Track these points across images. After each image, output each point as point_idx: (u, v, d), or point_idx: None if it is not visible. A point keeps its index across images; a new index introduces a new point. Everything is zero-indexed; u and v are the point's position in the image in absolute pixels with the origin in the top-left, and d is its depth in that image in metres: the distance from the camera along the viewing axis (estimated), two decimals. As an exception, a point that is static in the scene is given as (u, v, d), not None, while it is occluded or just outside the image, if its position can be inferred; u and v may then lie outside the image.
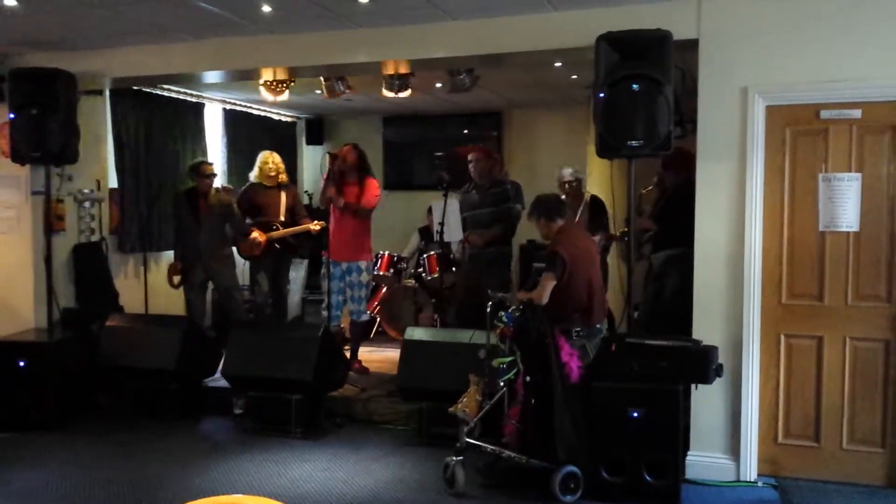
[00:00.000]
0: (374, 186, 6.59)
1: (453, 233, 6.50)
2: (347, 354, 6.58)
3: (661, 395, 4.39)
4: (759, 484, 4.71)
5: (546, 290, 4.71)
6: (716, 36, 4.72)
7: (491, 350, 4.61)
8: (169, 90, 7.85)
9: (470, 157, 6.68)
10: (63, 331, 6.10)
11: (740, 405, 4.73)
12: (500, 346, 4.62)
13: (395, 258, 8.03)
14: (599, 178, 7.39)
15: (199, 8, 5.08)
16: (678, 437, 4.40)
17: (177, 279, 6.85)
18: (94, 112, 6.60)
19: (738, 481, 4.72)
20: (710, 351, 4.45)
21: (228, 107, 8.96)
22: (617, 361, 4.53)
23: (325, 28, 5.55)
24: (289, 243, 7.08)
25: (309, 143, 10.63)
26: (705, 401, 4.76)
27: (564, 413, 4.44)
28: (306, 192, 10.40)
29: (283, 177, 7.14)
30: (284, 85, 7.06)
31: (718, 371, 4.44)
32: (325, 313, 6.46)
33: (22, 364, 5.68)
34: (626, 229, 5.89)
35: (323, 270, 6.58)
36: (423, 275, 7.78)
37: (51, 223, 6.14)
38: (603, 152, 4.67)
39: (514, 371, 4.55)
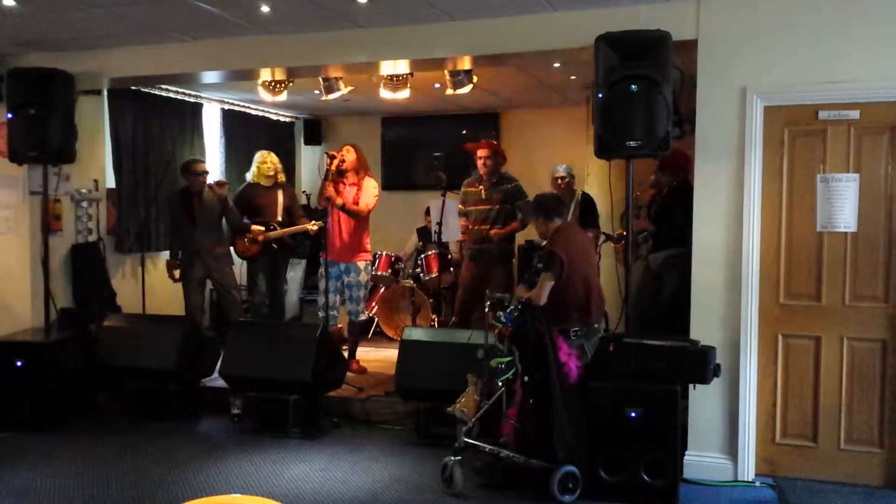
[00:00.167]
0: (372, 187, 6.59)
1: (451, 233, 6.51)
2: (345, 354, 6.58)
3: (659, 395, 4.39)
4: (757, 484, 4.71)
5: (544, 290, 4.71)
6: (714, 36, 4.72)
7: (489, 350, 4.61)
8: (167, 90, 7.84)
9: (479, 152, 6.68)
10: (60, 331, 6.09)
11: (738, 405, 4.74)
12: (498, 346, 4.62)
13: (393, 258, 8.03)
14: (598, 179, 7.40)
15: (197, 8, 5.07)
16: (676, 437, 4.40)
17: (177, 273, 6.84)
18: (91, 112, 6.60)
19: (736, 481, 4.73)
20: (708, 351, 4.45)
21: (226, 107, 8.96)
22: (615, 361, 4.53)
23: (324, 28, 5.55)
24: (286, 243, 7.08)
25: (307, 143, 10.62)
26: (703, 401, 4.77)
27: (563, 413, 4.44)
28: (304, 192, 10.37)
29: (281, 177, 7.14)
30: (283, 85, 7.05)
31: (716, 371, 4.45)
32: (322, 313, 6.46)
33: (19, 364, 5.67)
34: (622, 231, 5.93)
35: (321, 270, 6.57)
36: (421, 275, 7.78)
37: (48, 223, 6.13)
38: (601, 152, 4.68)
39: (513, 371, 4.55)
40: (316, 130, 10.55)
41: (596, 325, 4.98)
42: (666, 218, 5.97)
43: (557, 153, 8.75)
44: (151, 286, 7.28)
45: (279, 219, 7.01)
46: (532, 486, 4.48)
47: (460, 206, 6.68)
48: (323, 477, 4.81)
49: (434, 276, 7.47)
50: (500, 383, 4.57)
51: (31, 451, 5.25)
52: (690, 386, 4.64)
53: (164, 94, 7.83)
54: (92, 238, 6.76)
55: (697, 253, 4.82)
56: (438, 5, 5.00)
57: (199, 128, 8.42)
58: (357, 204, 6.48)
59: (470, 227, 6.67)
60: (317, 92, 7.37)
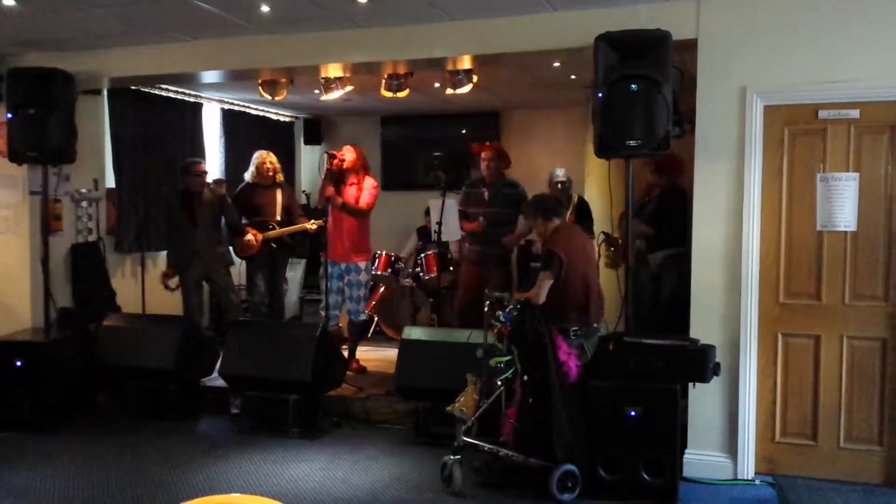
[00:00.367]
0: (372, 186, 6.60)
1: (451, 232, 6.51)
2: (345, 354, 6.58)
3: (658, 393, 4.39)
4: (757, 482, 4.72)
5: (543, 289, 4.72)
6: (714, 36, 4.73)
7: (488, 349, 4.61)
8: (167, 90, 7.84)
9: (483, 154, 6.68)
10: (60, 330, 6.09)
11: (738, 404, 4.74)
12: (497, 345, 4.62)
13: (393, 258, 8.03)
14: (597, 179, 7.40)
15: (197, 8, 5.08)
16: (676, 436, 4.41)
17: (173, 282, 6.83)
18: (91, 112, 6.60)
19: (736, 479, 4.73)
20: (708, 350, 4.45)
21: (226, 107, 8.96)
22: (615, 360, 4.53)
23: (324, 28, 5.55)
24: (285, 243, 7.08)
25: (307, 142, 10.62)
26: (703, 399, 4.77)
27: (562, 412, 4.44)
28: (304, 191, 10.38)
29: (279, 176, 7.14)
30: (282, 85, 7.05)
31: (716, 370, 4.45)
32: (322, 313, 6.46)
33: (19, 364, 5.67)
34: (616, 235, 5.96)
35: (321, 270, 6.57)
36: (421, 275, 7.78)
37: (48, 223, 6.13)
38: (601, 152, 4.68)
39: (512, 370, 4.55)
40: (316, 130, 10.56)
41: (595, 325, 4.99)
42: (664, 220, 5.98)
43: (557, 153, 8.78)
44: (151, 286, 7.29)
45: (278, 218, 7.01)
46: (531, 484, 4.48)
47: (460, 207, 6.67)
48: (323, 476, 4.81)
49: (434, 275, 7.47)
50: (499, 382, 4.57)
51: (31, 451, 5.25)
52: (690, 385, 4.64)
53: (163, 93, 7.83)
54: (92, 238, 6.76)
55: (697, 252, 4.82)
56: (438, 5, 5.00)
57: (198, 127, 8.43)
58: (357, 204, 6.47)
59: (476, 230, 6.62)
60: (316, 92, 7.37)
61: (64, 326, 6.15)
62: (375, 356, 7.26)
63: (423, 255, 7.83)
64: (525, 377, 4.56)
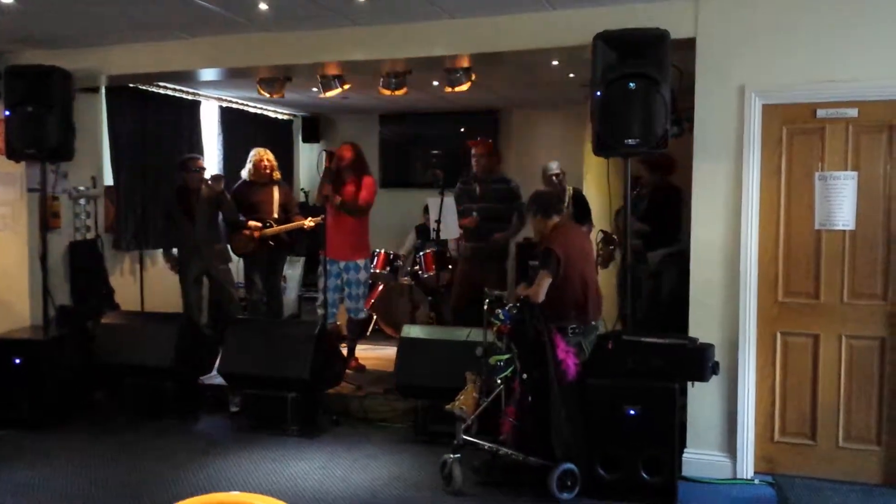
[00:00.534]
0: (371, 184, 6.59)
1: (450, 230, 6.51)
2: (344, 352, 6.58)
3: (657, 392, 4.39)
4: (756, 481, 4.72)
5: (542, 287, 4.72)
6: (713, 35, 4.73)
7: (488, 348, 4.61)
8: (165, 88, 7.82)
9: (473, 150, 6.70)
10: (59, 328, 6.08)
11: (737, 403, 4.75)
12: (496, 343, 4.62)
13: (391, 256, 8.03)
14: (595, 177, 7.40)
15: (195, 5, 5.07)
16: (675, 435, 4.41)
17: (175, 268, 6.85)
18: (90, 109, 6.58)
19: (735, 479, 4.74)
20: (707, 349, 4.46)
21: (225, 104, 8.94)
22: (613, 359, 4.54)
23: (322, 26, 5.54)
24: (282, 240, 7.07)
25: (305, 140, 10.61)
26: (702, 398, 4.78)
27: (561, 410, 4.44)
28: (302, 189, 10.39)
29: (277, 174, 7.13)
30: (281, 83, 7.04)
31: (715, 369, 4.45)
32: (321, 311, 6.46)
33: (17, 362, 5.67)
34: (609, 231, 5.98)
35: (320, 268, 6.57)
36: (420, 272, 7.77)
37: (46, 220, 6.12)
38: (599, 150, 4.68)
39: (511, 368, 4.55)
40: (314, 128, 10.54)
41: (594, 323, 4.99)
42: (658, 217, 5.99)
43: (555, 151, 8.77)
44: (149, 283, 7.28)
45: (275, 216, 7.01)
46: (530, 483, 4.49)
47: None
48: (322, 474, 4.81)
49: (432, 273, 7.47)
50: (498, 381, 4.58)
51: (30, 449, 5.24)
52: (689, 383, 4.65)
53: (162, 91, 7.81)
54: (90, 235, 6.75)
55: (696, 251, 4.83)
56: (437, 3, 5.00)
57: (197, 125, 8.41)
58: (356, 202, 6.47)
59: (470, 225, 6.65)
60: (315, 89, 7.36)
61: (62, 324, 6.15)
62: (374, 354, 7.26)
63: (421, 253, 7.82)
64: (524, 375, 4.55)
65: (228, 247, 7.02)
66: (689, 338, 4.61)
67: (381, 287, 8.06)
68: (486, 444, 4.54)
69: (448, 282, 7.42)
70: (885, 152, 4.55)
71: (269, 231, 6.93)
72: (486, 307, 4.71)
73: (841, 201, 4.61)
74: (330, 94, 6.80)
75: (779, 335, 4.77)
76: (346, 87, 6.79)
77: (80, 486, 4.63)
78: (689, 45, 4.75)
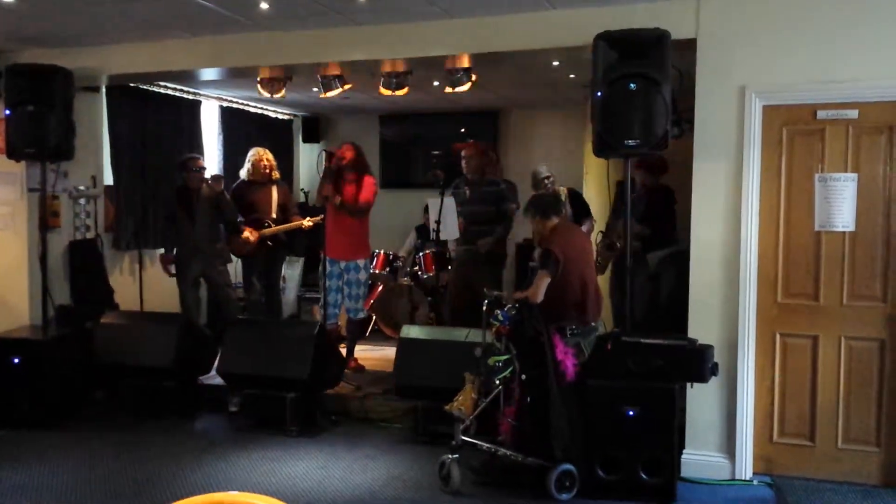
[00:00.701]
0: (371, 185, 6.59)
1: (450, 231, 6.50)
2: (344, 352, 6.58)
3: (656, 393, 4.39)
4: (755, 482, 4.72)
5: (541, 288, 4.71)
6: (714, 35, 4.73)
7: (487, 348, 4.61)
8: (165, 87, 7.82)
9: (463, 153, 6.69)
10: (58, 328, 6.08)
11: (736, 404, 4.74)
12: (496, 344, 4.62)
13: (391, 256, 8.03)
14: (595, 178, 7.40)
15: (196, 5, 5.07)
16: (674, 436, 4.41)
17: (173, 267, 6.84)
18: (90, 109, 6.59)
19: (734, 480, 4.73)
20: (706, 350, 4.45)
21: (225, 104, 8.94)
22: (613, 360, 4.53)
23: (323, 26, 5.54)
24: (281, 240, 7.07)
25: (305, 140, 10.61)
26: (701, 399, 4.77)
27: (560, 411, 4.44)
28: (303, 189, 10.39)
29: (276, 173, 7.12)
30: (281, 82, 7.04)
31: (714, 370, 4.45)
32: (320, 311, 6.45)
33: (16, 361, 5.67)
34: (603, 231, 6.00)
35: (320, 269, 6.57)
36: (419, 273, 7.77)
37: (46, 220, 6.12)
38: (600, 151, 4.67)
39: (510, 369, 4.55)
40: (314, 128, 10.54)
41: (593, 324, 4.99)
42: (656, 218, 5.99)
43: (555, 152, 8.78)
44: (149, 283, 7.28)
45: (273, 216, 7.01)
46: (529, 484, 4.48)
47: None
48: (321, 475, 4.81)
49: (432, 274, 7.47)
50: (497, 382, 4.57)
51: (29, 449, 5.24)
52: (688, 384, 4.64)
53: (162, 90, 7.81)
54: (90, 235, 6.75)
55: (696, 252, 4.82)
56: (437, 3, 5.00)
57: (197, 125, 8.41)
58: (356, 203, 6.47)
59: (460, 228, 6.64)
60: (315, 89, 7.37)
61: (62, 324, 6.15)
62: (374, 355, 7.26)
63: (421, 253, 7.83)
64: (523, 376, 4.55)
65: (227, 247, 7.02)
66: (689, 339, 4.60)
67: (380, 287, 8.06)
68: (485, 445, 4.54)
69: (448, 283, 7.41)
70: (885, 154, 4.55)
71: (267, 231, 6.93)
72: (484, 308, 4.70)
73: (841, 203, 4.61)
74: (330, 94, 6.80)
75: (778, 336, 4.77)
76: (347, 87, 6.80)
77: (79, 485, 4.62)
78: (689, 45, 4.75)
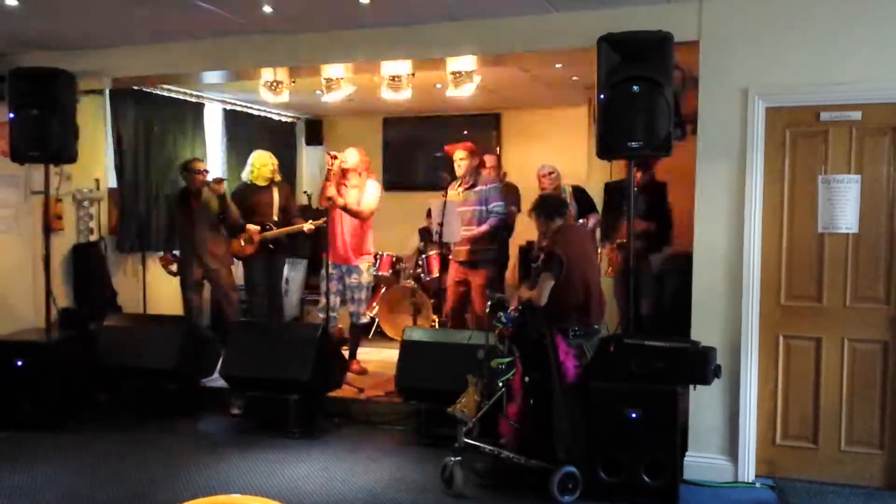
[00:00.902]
0: (374, 188, 6.59)
1: (452, 233, 6.50)
2: (346, 355, 6.58)
3: (659, 395, 4.39)
4: (757, 485, 4.71)
5: (545, 290, 4.71)
6: (716, 37, 4.72)
7: (490, 350, 4.61)
8: (169, 90, 7.83)
9: (456, 154, 6.68)
10: (61, 330, 6.08)
11: (738, 406, 4.73)
12: (498, 346, 4.61)
13: (394, 259, 8.03)
14: (599, 180, 7.39)
15: (199, 8, 5.08)
16: (676, 438, 4.40)
17: (174, 266, 6.84)
18: (93, 112, 6.61)
19: (736, 482, 4.73)
20: (709, 352, 4.45)
21: (228, 107, 8.95)
22: (615, 362, 4.53)
23: (326, 28, 5.55)
24: (282, 243, 7.07)
25: (308, 143, 10.61)
26: (704, 402, 4.77)
27: (563, 413, 4.44)
28: (305, 192, 10.37)
29: (277, 176, 7.12)
30: (284, 85, 7.05)
31: (717, 372, 4.44)
32: (321, 314, 6.45)
33: (20, 363, 5.67)
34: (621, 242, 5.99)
35: (323, 271, 6.57)
36: (422, 275, 7.77)
37: (49, 223, 6.12)
38: (603, 153, 4.67)
39: (513, 372, 4.55)
40: (317, 131, 10.54)
41: (596, 326, 4.98)
42: (656, 213, 5.97)
43: (558, 153, 8.75)
44: (152, 286, 7.28)
45: (275, 218, 7.01)
46: (532, 486, 4.48)
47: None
48: (323, 477, 4.80)
49: (435, 276, 7.46)
50: (500, 384, 4.57)
51: (31, 451, 5.25)
52: (691, 387, 4.64)
53: (165, 93, 7.82)
54: (93, 238, 6.77)
55: (699, 254, 4.82)
56: (440, 5, 5.00)
57: (200, 128, 8.42)
58: (358, 205, 6.48)
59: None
60: (318, 92, 7.37)
61: (65, 326, 6.15)
62: (376, 357, 7.25)
63: (424, 255, 7.83)
64: (526, 378, 4.55)
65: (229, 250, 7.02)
66: (692, 341, 4.60)
67: (383, 290, 8.07)
68: (488, 447, 4.54)
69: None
70: (888, 155, 4.54)
71: (268, 234, 6.94)
72: (487, 310, 4.70)
73: (844, 205, 4.60)
74: (333, 96, 6.81)
75: (781, 338, 4.76)
76: (351, 90, 6.81)
77: (82, 487, 4.63)
78: (692, 47, 4.74)
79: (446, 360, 5.27)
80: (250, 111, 9.37)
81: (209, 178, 6.84)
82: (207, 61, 6.07)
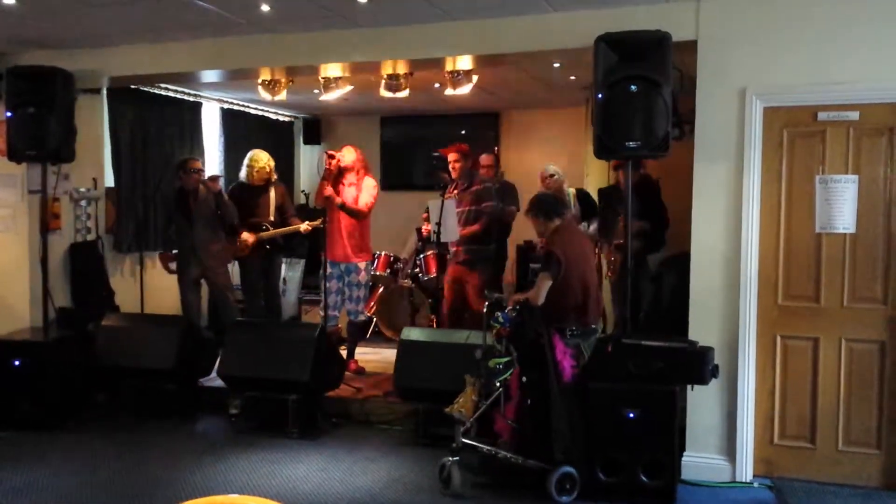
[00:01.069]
0: (371, 186, 6.59)
1: (450, 233, 6.50)
2: (344, 355, 6.58)
3: (657, 395, 4.39)
4: (755, 485, 4.71)
5: (542, 290, 4.71)
6: (714, 37, 4.72)
7: (487, 350, 4.61)
8: (166, 89, 7.83)
9: (450, 157, 6.68)
10: (59, 330, 6.08)
11: (736, 406, 4.74)
12: (496, 346, 4.62)
13: (392, 258, 8.03)
14: (596, 181, 7.40)
15: (197, 7, 5.07)
16: (674, 438, 4.40)
17: (173, 265, 6.84)
18: (91, 111, 6.59)
19: (734, 482, 4.73)
20: (707, 352, 4.45)
21: (226, 106, 8.95)
22: (613, 362, 4.53)
23: (324, 28, 5.54)
24: (278, 243, 7.07)
25: (306, 142, 10.62)
26: (701, 402, 4.77)
27: (561, 413, 4.44)
28: (303, 191, 10.40)
29: (273, 176, 7.12)
30: (282, 84, 7.05)
31: (714, 372, 4.44)
32: (321, 313, 6.45)
33: (17, 363, 5.67)
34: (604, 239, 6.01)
35: (321, 271, 6.57)
36: (420, 275, 7.77)
37: (47, 222, 6.12)
38: (600, 153, 4.68)
39: (511, 371, 4.55)
40: (315, 130, 10.55)
41: (593, 326, 4.99)
42: (651, 210, 5.97)
43: (556, 153, 8.77)
44: (150, 285, 7.28)
45: (271, 218, 7.01)
46: (530, 486, 4.48)
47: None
48: (321, 477, 4.80)
49: (433, 276, 7.46)
50: (498, 384, 4.57)
51: (29, 451, 5.24)
52: (689, 386, 4.64)
53: (163, 93, 7.82)
54: (91, 237, 6.76)
55: (696, 254, 4.82)
56: (438, 5, 5.00)
57: (198, 127, 8.42)
58: (356, 204, 6.48)
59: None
60: (316, 91, 7.37)
61: (63, 326, 6.15)
62: (374, 357, 7.26)
63: (422, 255, 7.82)
64: (524, 378, 4.55)
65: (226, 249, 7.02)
66: (689, 341, 4.60)
67: (381, 289, 8.06)
68: (486, 447, 4.54)
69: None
70: (885, 156, 4.54)
71: (265, 235, 6.93)
72: (485, 310, 4.70)
73: (842, 205, 4.60)
74: (331, 95, 6.81)
75: (779, 338, 4.76)
76: (348, 88, 6.80)
77: (80, 487, 4.62)
78: (690, 47, 4.75)
79: (444, 360, 5.27)
80: (248, 110, 9.37)
81: (204, 176, 6.84)
82: (205, 60, 6.06)
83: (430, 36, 5.44)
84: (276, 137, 9.88)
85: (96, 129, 6.76)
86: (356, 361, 6.77)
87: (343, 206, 6.44)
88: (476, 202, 6.56)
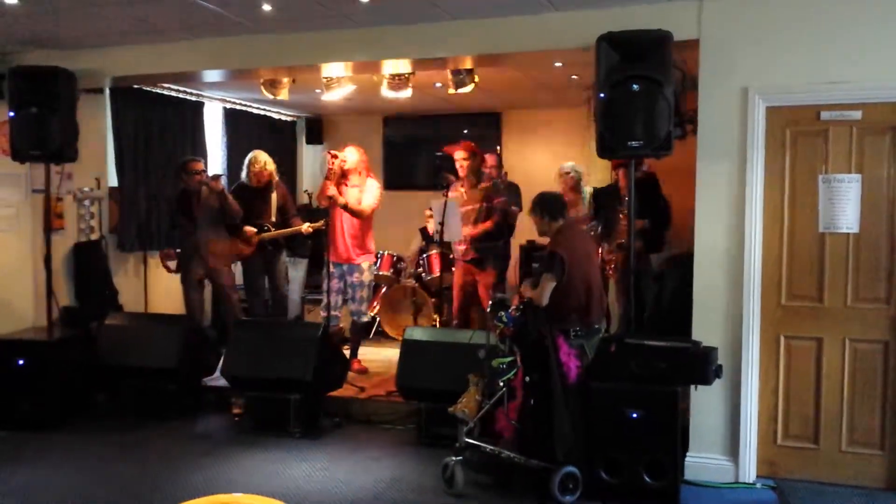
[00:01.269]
0: (374, 187, 6.59)
1: (453, 233, 6.49)
2: (347, 354, 6.58)
3: (660, 395, 4.39)
4: (758, 485, 4.71)
5: (546, 290, 4.70)
6: (716, 37, 4.71)
7: (491, 350, 4.61)
8: (169, 89, 7.83)
9: (457, 155, 6.68)
10: (62, 329, 6.09)
11: (739, 406, 4.73)
12: (499, 346, 4.62)
13: (395, 258, 8.04)
14: (599, 180, 7.39)
15: (199, 7, 5.07)
16: (677, 438, 4.40)
17: (172, 264, 6.84)
18: (94, 110, 6.61)
19: (737, 482, 4.72)
20: (710, 352, 4.44)
21: (228, 106, 8.95)
22: (616, 362, 4.53)
23: (325, 27, 5.55)
24: (279, 243, 7.08)
25: (309, 142, 10.61)
26: (704, 402, 4.76)
27: (563, 413, 4.44)
28: (306, 191, 10.39)
29: (275, 176, 7.12)
30: (284, 84, 7.05)
31: (718, 372, 4.44)
32: (323, 313, 6.45)
33: (21, 363, 5.67)
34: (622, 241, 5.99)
35: (324, 270, 6.57)
36: (423, 275, 7.78)
37: (50, 221, 6.13)
38: (603, 153, 4.67)
39: (514, 371, 4.55)
40: (317, 129, 10.55)
41: (597, 326, 4.97)
42: (652, 207, 5.96)
43: (558, 153, 8.77)
44: (153, 285, 7.28)
45: (273, 219, 7.01)
46: (533, 486, 4.48)
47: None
48: (324, 476, 4.81)
49: (436, 276, 7.46)
50: (501, 384, 4.57)
51: (32, 450, 5.25)
52: (692, 387, 4.63)
53: (165, 92, 7.82)
54: (94, 236, 6.77)
55: (699, 253, 4.81)
56: (440, 5, 4.99)
57: (200, 126, 8.42)
58: (359, 204, 6.48)
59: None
60: (318, 91, 7.37)
61: (66, 325, 6.16)
62: (377, 357, 7.26)
63: (425, 255, 7.83)
64: (527, 378, 4.55)
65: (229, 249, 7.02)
66: (693, 341, 4.59)
67: (384, 289, 8.07)
68: (489, 447, 4.54)
69: (451, 284, 7.41)
70: (888, 155, 4.53)
71: (266, 235, 6.93)
72: (489, 310, 4.70)
73: (845, 204, 4.59)
74: (333, 95, 6.80)
75: (782, 338, 4.76)
76: (351, 88, 6.80)
77: (82, 486, 4.63)
78: (692, 46, 4.74)
79: (447, 359, 5.27)
80: (250, 110, 9.37)
81: (206, 177, 6.84)
82: (207, 60, 6.07)
83: (430, 35, 5.44)
84: (279, 137, 9.88)
85: (99, 128, 6.78)
86: (359, 361, 6.77)
87: (346, 207, 6.44)
88: (486, 199, 6.56)
